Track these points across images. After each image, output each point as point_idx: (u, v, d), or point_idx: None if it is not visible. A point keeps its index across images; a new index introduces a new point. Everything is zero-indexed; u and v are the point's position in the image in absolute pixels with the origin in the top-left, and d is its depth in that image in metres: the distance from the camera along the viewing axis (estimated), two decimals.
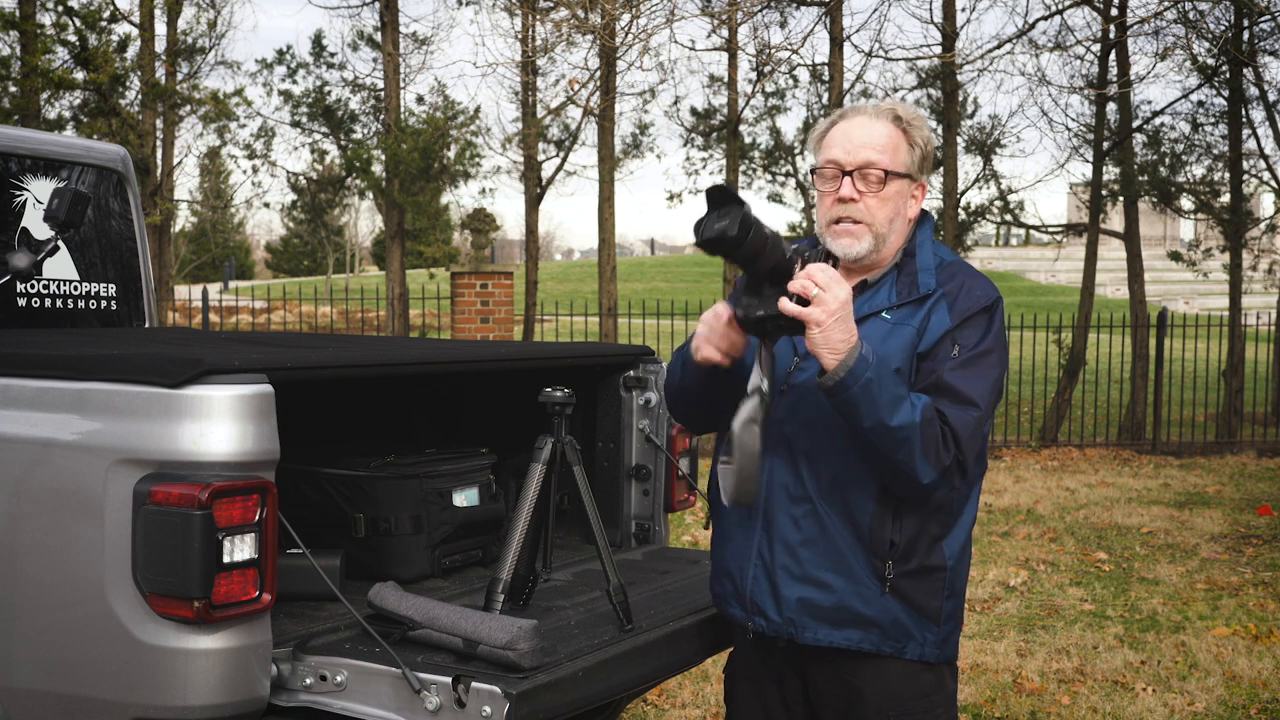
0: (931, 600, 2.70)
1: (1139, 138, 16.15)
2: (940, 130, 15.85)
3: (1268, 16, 13.93)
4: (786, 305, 2.40)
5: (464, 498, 3.51)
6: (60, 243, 4.45)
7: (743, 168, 17.47)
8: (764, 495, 2.69)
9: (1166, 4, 12.48)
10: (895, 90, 16.78)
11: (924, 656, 2.72)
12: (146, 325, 4.83)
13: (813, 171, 2.75)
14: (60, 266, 4.50)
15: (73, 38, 15.41)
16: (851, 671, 2.74)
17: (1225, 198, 16.36)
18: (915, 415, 2.50)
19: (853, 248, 2.67)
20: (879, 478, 2.62)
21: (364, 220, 46.09)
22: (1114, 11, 14.60)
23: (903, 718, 2.74)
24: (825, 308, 2.40)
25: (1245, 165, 15.89)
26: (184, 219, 29.59)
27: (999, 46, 13.26)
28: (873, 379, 2.45)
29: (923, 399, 2.55)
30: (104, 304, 4.65)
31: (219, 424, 2.56)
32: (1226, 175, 16.13)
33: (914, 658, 2.71)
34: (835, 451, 2.64)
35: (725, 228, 2.33)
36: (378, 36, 16.80)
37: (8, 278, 4.30)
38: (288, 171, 18.84)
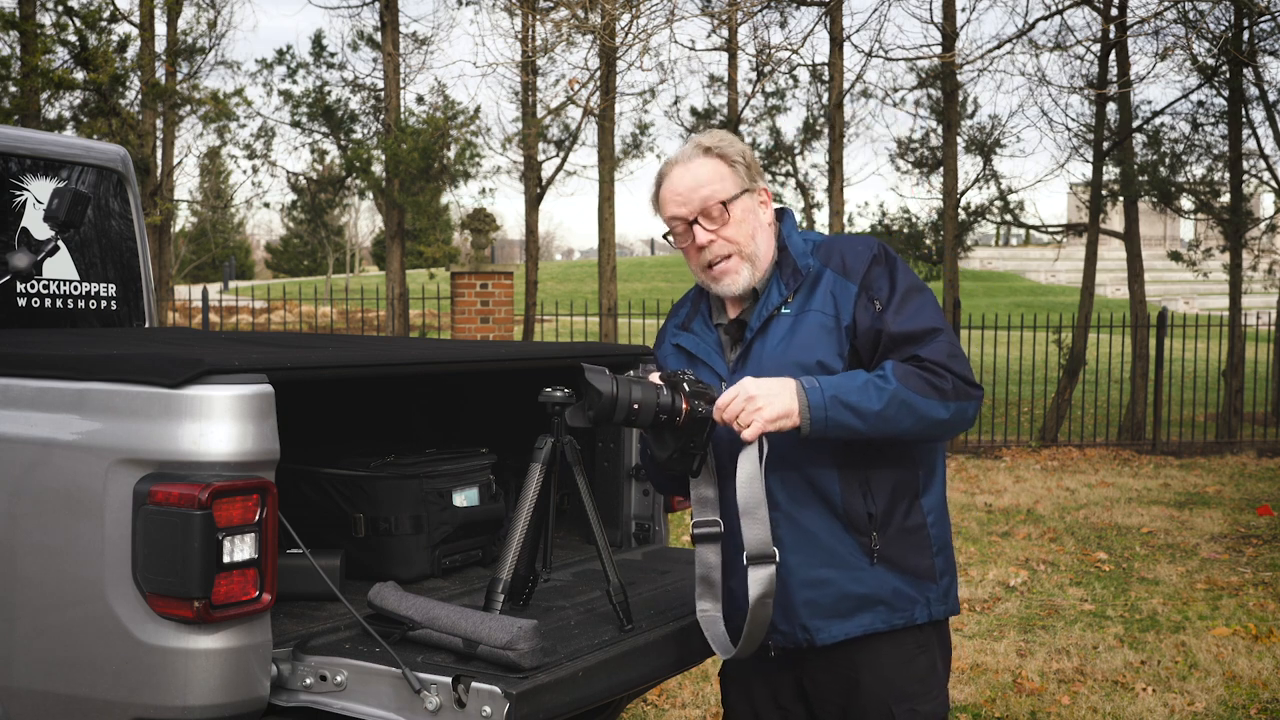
0: (921, 559, 2.74)
1: (1139, 138, 16.16)
2: (940, 130, 15.85)
3: (1268, 16, 13.94)
4: (748, 435, 2.56)
5: (464, 498, 3.51)
6: (60, 243, 4.45)
7: None
8: (735, 517, 2.71)
9: (1166, 4, 12.48)
10: (895, 90, 16.80)
11: (933, 616, 2.76)
12: (146, 325, 4.83)
13: (665, 237, 2.85)
14: (60, 266, 4.50)
15: (73, 38, 15.42)
16: (848, 663, 2.76)
17: (1225, 198, 16.36)
18: (891, 382, 2.58)
19: (737, 283, 2.77)
20: (837, 463, 2.67)
21: (364, 220, 46.14)
22: (1114, 11, 14.60)
23: (901, 703, 2.76)
24: (757, 413, 2.54)
25: (1245, 165, 15.89)
26: (184, 219, 29.63)
27: (999, 46, 13.26)
28: (833, 396, 2.56)
29: (887, 364, 2.62)
30: (104, 304, 4.65)
31: (219, 424, 2.56)
32: (1226, 175, 16.13)
33: (924, 620, 2.75)
34: (788, 453, 2.69)
35: (587, 419, 2.61)
36: (378, 36, 16.80)
37: (8, 278, 4.30)
38: (288, 171, 18.85)
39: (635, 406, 2.59)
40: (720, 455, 2.76)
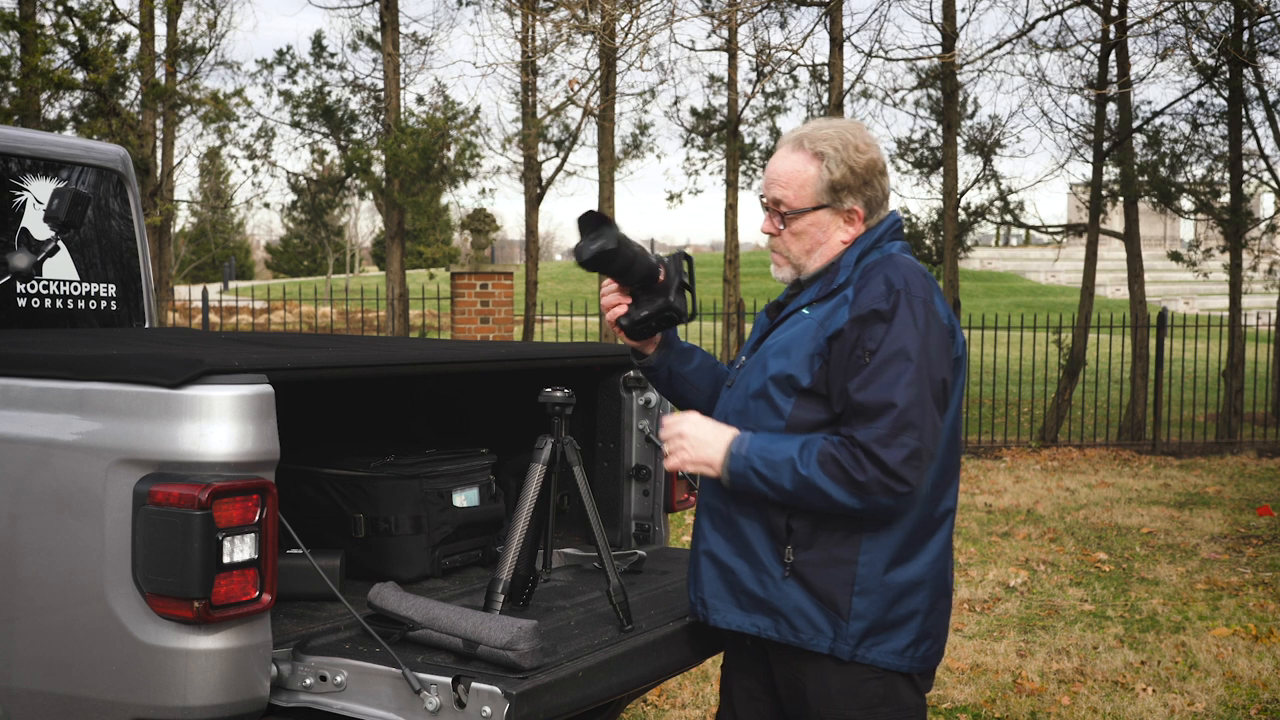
0: (837, 592, 2.65)
1: (1139, 138, 16.16)
2: (940, 130, 15.85)
3: (1268, 16, 13.94)
4: (667, 465, 2.79)
5: (464, 498, 3.51)
6: (60, 243, 4.45)
7: (743, 168, 17.47)
8: (700, 484, 2.86)
9: (1166, 4, 12.48)
10: (895, 90, 16.80)
11: (835, 652, 2.67)
12: (146, 325, 4.83)
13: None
14: (60, 266, 4.50)
15: (73, 38, 15.42)
16: (797, 670, 2.74)
17: (1225, 198, 16.37)
18: (808, 468, 2.59)
19: (777, 274, 2.86)
20: None
21: (364, 220, 46.16)
22: (1114, 11, 14.60)
23: None
24: (681, 451, 2.73)
25: (1245, 165, 15.90)
26: (184, 219, 29.62)
27: (999, 46, 13.27)
28: (751, 467, 2.64)
29: (816, 444, 2.61)
30: (104, 304, 4.65)
31: (219, 424, 2.56)
32: (1226, 175, 16.13)
33: (823, 650, 2.67)
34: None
35: (604, 244, 2.74)
36: (378, 37, 16.80)
37: (8, 278, 4.30)
38: (288, 172, 18.86)
39: (636, 247, 2.80)
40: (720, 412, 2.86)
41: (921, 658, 2.74)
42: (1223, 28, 14.82)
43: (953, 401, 2.70)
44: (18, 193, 4.41)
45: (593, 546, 3.00)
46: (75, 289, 4.55)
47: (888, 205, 2.81)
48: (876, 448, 2.55)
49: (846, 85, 14.89)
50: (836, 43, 14.22)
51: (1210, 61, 15.35)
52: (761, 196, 2.81)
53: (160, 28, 15.96)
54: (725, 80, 17.06)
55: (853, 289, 2.67)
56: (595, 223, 2.76)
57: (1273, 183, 16.16)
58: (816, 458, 2.58)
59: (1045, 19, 13.99)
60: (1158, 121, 16.36)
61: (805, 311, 2.73)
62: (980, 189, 16.98)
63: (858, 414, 2.59)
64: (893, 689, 2.72)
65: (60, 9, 15.33)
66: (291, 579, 2.91)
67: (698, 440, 2.71)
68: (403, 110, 16.68)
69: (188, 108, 16.53)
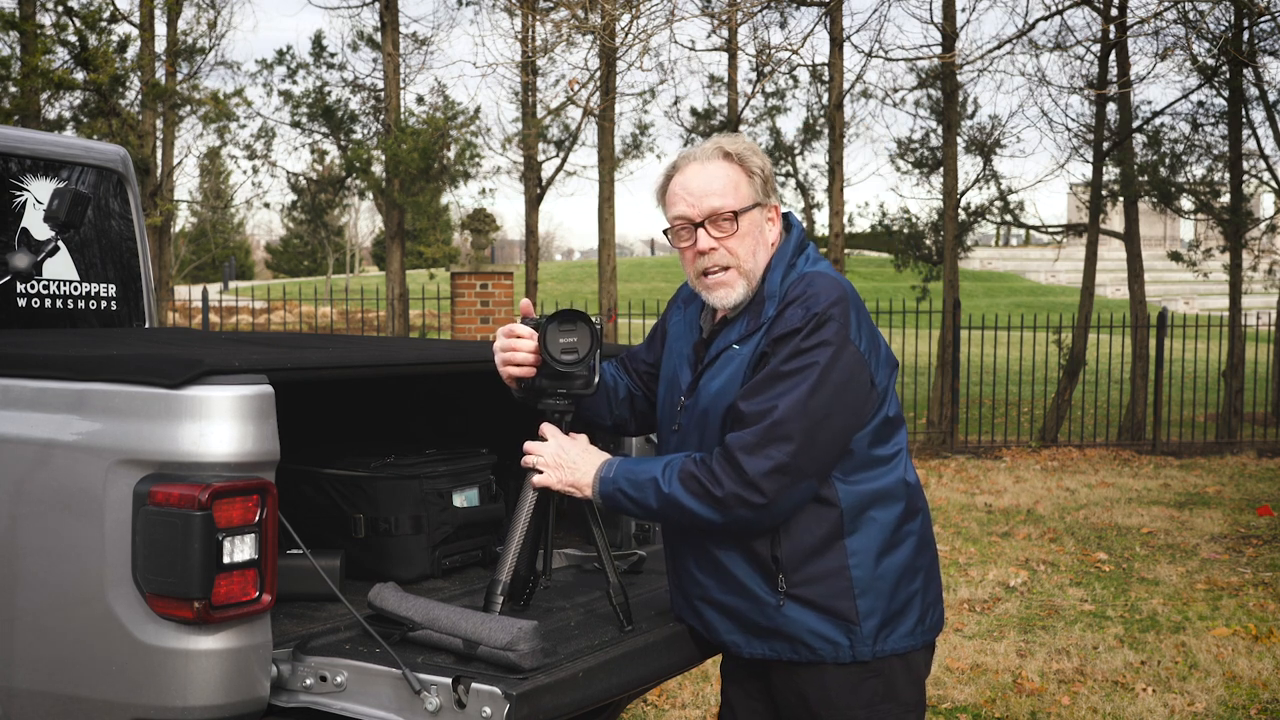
0: (839, 601, 2.67)
1: (1139, 138, 16.17)
2: (940, 130, 15.84)
3: (1268, 17, 13.94)
4: (535, 481, 2.84)
5: (464, 498, 3.50)
6: (60, 243, 4.45)
7: None
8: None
9: (1166, 4, 12.48)
10: (895, 90, 16.80)
11: (858, 657, 2.69)
12: (146, 325, 4.83)
13: (666, 233, 2.83)
14: (60, 266, 4.49)
15: (73, 38, 15.42)
16: (795, 675, 2.76)
17: (1225, 198, 16.38)
18: (670, 486, 2.64)
19: (729, 297, 2.76)
20: None
21: (364, 220, 46.21)
22: (1114, 11, 14.61)
23: None
24: (548, 472, 2.80)
25: (1245, 165, 15.90)
26: (184, 219, 29.62)
27: (999, 47, 13.26)
28: (618, 488, 2.72)
29: (678, 462, 2.66)
30: (104, 304, 4.65)
31: (219, 424, 2.55)
32: (1226, 175, 16.14)
33: (847, 660, 2.69)
34: None
35: (576, 356, 2.84)
36: (378, 37, 16.81)
37: (8, 278, 4.30)
38: (288, 172, 18.85)
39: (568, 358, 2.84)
40: (676, 433, 2.85)
41: (929, 628, 2.79)
42: (1223, 28, 14.83)
43: (889, 391, 2.74)
44: (18, 193, 4.41)
45: (593, 546, 3.00)
46: (75, 289, 4.55)
47: None
48: (740, 454, 2.57)
49: (846, 85, 14.89)
50: (836, 43, 14.22)
51: (1210, 61, 15.36)
52: (683, 220, 2.75)
53: (160, 28, 15.98)
54: (725, 80, 17.07)
55: (774, 315, 2.68)
56: (572, 319, 2.81)
57: (1273, 183, 16.16)
58: (678, 475, 2.64)
59: (1045, 19, 13.99)
60: (1158, 121, 16.38)
61: (736, 347, 2.73)
62: (980, 189, 17.00)
63: (736, 421, 2.62)
64: (888, 684, 2.74)
65: (60, 9, 15.34)
66: (291, 579, 2.91)
67: (566, 464, 2.78)
68: (403, 110, 16.68)
69: (188, 108, 16.53)
